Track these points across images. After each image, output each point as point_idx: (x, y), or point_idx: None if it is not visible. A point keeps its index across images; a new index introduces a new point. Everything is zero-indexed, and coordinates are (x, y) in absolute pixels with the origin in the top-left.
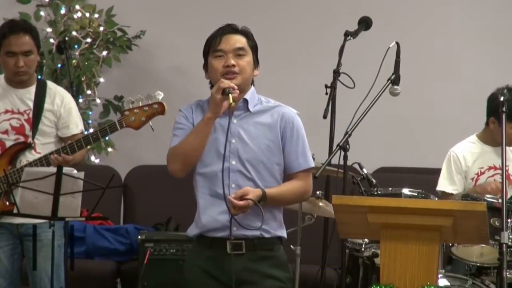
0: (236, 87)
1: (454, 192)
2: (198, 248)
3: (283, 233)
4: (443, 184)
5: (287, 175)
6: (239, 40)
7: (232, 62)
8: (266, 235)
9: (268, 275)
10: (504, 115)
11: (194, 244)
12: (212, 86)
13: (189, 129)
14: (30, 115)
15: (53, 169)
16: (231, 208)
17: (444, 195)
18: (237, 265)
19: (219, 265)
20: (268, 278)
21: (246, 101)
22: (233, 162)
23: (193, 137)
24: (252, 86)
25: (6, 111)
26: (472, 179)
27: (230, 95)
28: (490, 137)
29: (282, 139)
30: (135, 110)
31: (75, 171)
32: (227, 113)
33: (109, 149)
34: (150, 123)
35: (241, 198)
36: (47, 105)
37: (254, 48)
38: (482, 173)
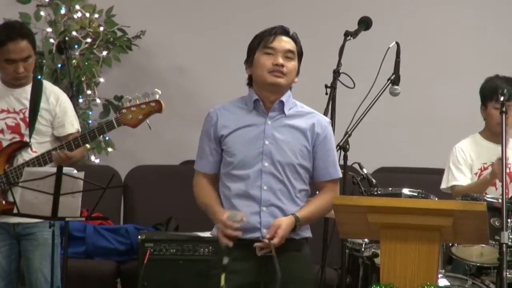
0: (231, 244)
1: (464, 183)
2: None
3: (309, 233)
4: (453, 178)
5: (316, 183)
6: (290, 43)
7: (282, 61)
8: (296, 237)
9: (295, 277)
10: (503, 115)
11: (218, 246)
12: (250, 82)
13: (210, 151)
14: (26, 114)
15: (53, 169)
16: (258, 249)
17: (456, 190)
18: (266, 266)
19: (247, 266)
20: (294, 281)
21: (282, 103)
22: (266, 164)
23: (203, 208)
24: (289, 91)
25: (2, 111)
26: (476, 174)
27: (223, 277)
28: (490, 132)
29: (314, 147)
30: (132, 108)
31: (75, 171)
32: (262, 114)
33: (109, 149)
34: (148, 121)
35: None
36: (42, 104)
37: (300, 55)
38: (485, 169)
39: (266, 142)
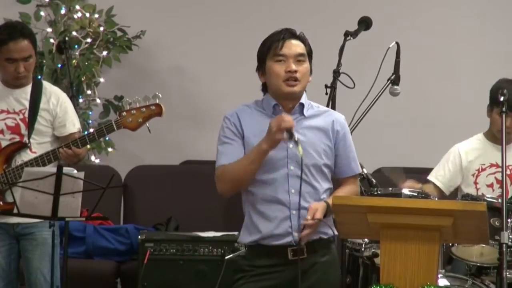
0: (294, 125)
1: (435, 181)
2: (252, 257)
3: (335, 231)
4: (432, 173)
5: (338, 179)
6: (299, 46)
7: (294, 67)
8: (324, 236)
9: (322, 277)
10: (503, 115)
11: (247, 253)
12: (264, 88)
13: (238, 145)
14: (26, 115)
15: (53, 169)
16: (305, 232)
17: (426, 182)
18: (296, 269)
19: (279, 271)
20: (322, 281)
21: (302, 105)
22: (292, 167)
23: (246, 164)
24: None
25: (2, 111)
26: (473, 175)
27: (299, 146)
28: (493, 134)
29: (335, 144)
30: (132, 111)
31: (75, 171)
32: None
33: (109, 149)
34: (147, 124)
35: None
36: (42, 105)
37: (310, 55)
38: (483, 170)
39: (290, 146)
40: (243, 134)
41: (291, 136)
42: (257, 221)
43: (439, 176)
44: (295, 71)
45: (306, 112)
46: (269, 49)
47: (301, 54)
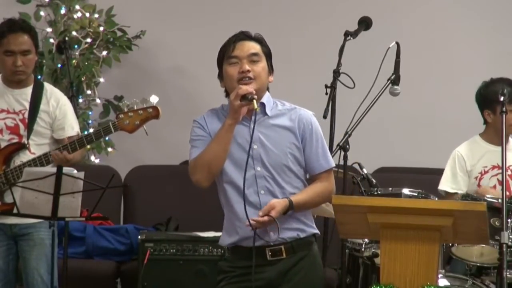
0: (254, 91)
1: (458, 191)
2: (232, 259)
3: (316, 229)
4: (446, 184)
5: (310, 176)
6: (253, 46)
7: (247, 67)
8: (302, 235)
9: (303, 278)
10: (503, 115)
11: (229, 255)
12: (227, 94)
13: (208, 139)
14: (26, 115)
15: (53, 169)
16: (256, 223)
17: (447, 195)
18: (277, 270)
19: (259, 271)
20: (303, 283)
21: (263, 105)
22: (258, 168)
23: (215, 144)
24: (267, 91)
25: (2, 111)
26: (476, 178)
27: (254, 100)
28: (492, 135)
29: (302, 142)
30: (129, 114)
31: (75, 171)
32: (245, 119)
33: (109, 149)
34: (144, 127)
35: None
36: (42, 106)
37: (268, 54)
38: (485, 172)
39: (254, 147)
40: (210, 135)
41: (249, 99)
42: (233, 222)
43: (462, 187)
44: (248, 71)
45: (269, 111)
46: (223, 54)
47: (254, 54)
